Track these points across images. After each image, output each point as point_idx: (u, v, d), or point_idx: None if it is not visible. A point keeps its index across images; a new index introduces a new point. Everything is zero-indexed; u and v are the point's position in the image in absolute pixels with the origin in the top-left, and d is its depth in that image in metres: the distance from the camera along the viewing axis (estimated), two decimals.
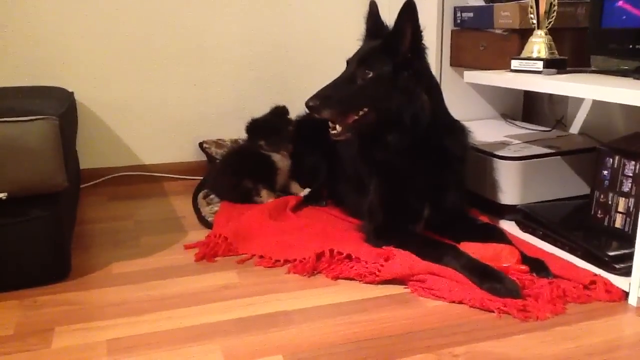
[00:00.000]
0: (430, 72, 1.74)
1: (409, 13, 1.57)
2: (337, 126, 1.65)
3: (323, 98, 1.60)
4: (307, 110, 1.64)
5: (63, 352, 1.24)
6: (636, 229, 1.40)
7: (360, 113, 1.63)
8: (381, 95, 1.62)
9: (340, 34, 2.72)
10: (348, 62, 1.71)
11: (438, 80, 2.33)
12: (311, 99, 1.59)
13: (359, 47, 1.74)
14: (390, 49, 1.63)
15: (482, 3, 2.19)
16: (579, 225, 1.73)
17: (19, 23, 2.33)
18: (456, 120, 1.82)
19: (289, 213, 1.98)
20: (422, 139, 1.65)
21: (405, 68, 1.62)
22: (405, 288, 1.51)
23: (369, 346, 1.25)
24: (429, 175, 1.72)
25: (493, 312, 1.37)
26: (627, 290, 1.44)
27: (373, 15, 1.73)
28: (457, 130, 1.80)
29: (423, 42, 1.64)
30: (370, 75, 1.62)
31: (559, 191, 1.95)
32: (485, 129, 2.23)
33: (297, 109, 2.29)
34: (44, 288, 1.53)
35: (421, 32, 1.62)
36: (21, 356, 1.23)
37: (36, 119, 1.47)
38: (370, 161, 1.75)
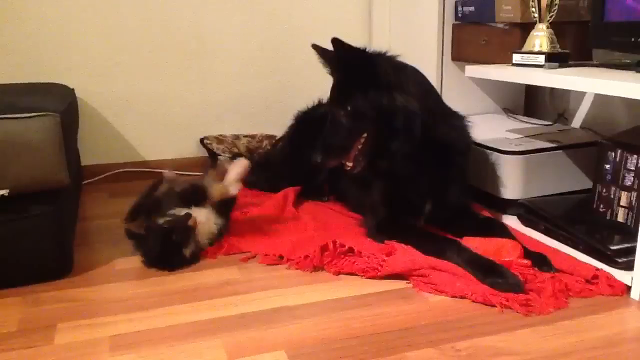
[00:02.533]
0: (407, 68, 1.72)
1: (339, 49, 1.60)
2: (349, 163, 1.69)
3: (325, 150, 1.67)
4: (317, 166, 1.73)
5: (66, 348, 1.25)
6: (638, 222, 1.40)
7: (362, 141, 1.66)
8: (367, 120, 1.64)
9: (341, 32, 2.70)
10: (327, 107, 1.76)
11: (439, 74, 2.34)
12: (317, 155, 1.67)
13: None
14: (351, 78, 1.65)
15: None
16: (581, 220, 1.73)
17: (19, 20, 2.33)
18: (455, 112, 1.82)
19: (291, 209, 1.98)
20: (421, 137, 1.64)
21: (369, 86, 1.62)
22: (408, 283, 1.51)
23: (371, 341, 1.25)
24: (431, 171, 1.72)
25: (495, 306, 1.37)
26: (630, 285, 1.44)
27: (322, 54, 1.74)
28: (457, 122, 1.80)
29: (369, 54, 1.65)
30: (349, 109, 1.65)
31: (561, 185, 1.94)
32: (487, 124, 2.23)
33: (297, 104, 2.29)
34: (47, 284, 1.53)
35: (362, 49, 1.64)
36: (24, 353, 1.23)
37: (37, 116, 1.47)
38: (374, 169, 1.75)
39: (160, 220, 1.63)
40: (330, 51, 1.68)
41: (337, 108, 1.68)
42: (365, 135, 1.66)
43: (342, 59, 1.65)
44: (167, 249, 1.61)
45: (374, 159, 1.70)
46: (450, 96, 2.25)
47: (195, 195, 1.74)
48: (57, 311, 1.40)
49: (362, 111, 1.63)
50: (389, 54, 1.69)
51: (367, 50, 1.66)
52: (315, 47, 1.75)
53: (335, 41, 1.58)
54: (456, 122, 1.80)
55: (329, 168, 2.08)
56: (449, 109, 1.82)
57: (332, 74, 1.75)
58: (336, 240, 1.64)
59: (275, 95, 2.72)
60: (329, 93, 1.74)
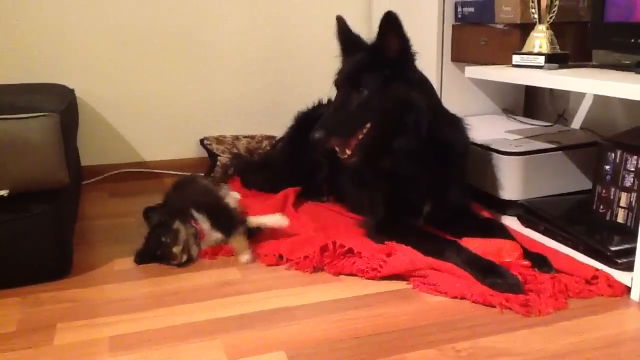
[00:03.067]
0: (421, 72, 1.72)
1: (392, 23, 1.57)
2: (346, 150, 1.64)
3: (326, 129, 1.59)
4: (314, 142, 1.61)
5: (65, 348, 1.25)
6: (638, 223, 1.40)
7: (364, 131, 1.63)
8: (379, 109, 1.62)
9: None
10: (337, 84, 1.69)
11: (439, 75, 2.34)
12: (316, 131, 1.58)
13: (341, 65, 1.72)
14: (376, 62, 1.63)
15: None
16: (581, 220, 1.72)
17: (19, 20, 2.33)
18: (454, 114, 1.82)
19: (290, 209, 1.98)
20: (424, 138, 1.65)
21: (396, 76, 1.62)
22: (407, 283, 1.51)
23: (371, 342, 1.25)
24: (431, 172, 1.72)
25: (495, 307, 1.37)
26: (629, 285, 1.44)
27: (344, 29, 1.72)
28: (457, 124, 1.80)
29: (412, 48, 1.63)
30: (364, 93, 1.62)
31: (561, 186, 1.94)
32: (487, 124, 2.23)
33: (297, 104, 2.29)
34: (46, 285, 1.53)
35: (408, 40, 1.62)
36: (23, 353, 1.23)
37: (37, 116, 1.47)
38: (375, 168, 1.74)
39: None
40: (353, 32, 1.65)
41: (352, 87, 1.63)
42: (368, 125, 1.63)
43: (384, 38, 1.59)
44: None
45: (376, 156, 1.68)
46: (450, 97, 2.25)
47: (222, 221, 1.73)
48: (56, 311, 1.40)
49: (379, 98, 1.60)
50: None
51: (412, 48, 1.63)
52: (340, 19, 1.71)
53: (392, 16, 1.53)
54: (455, 124, 1.80)
55: (327, 165, 2.08)
56: (447, 110, 1.83)
57: (345, 53, 1.72)
58: (336, 240, 1.64)
59: (275, 95, 2.72)
60: (340, 71, 1.69)
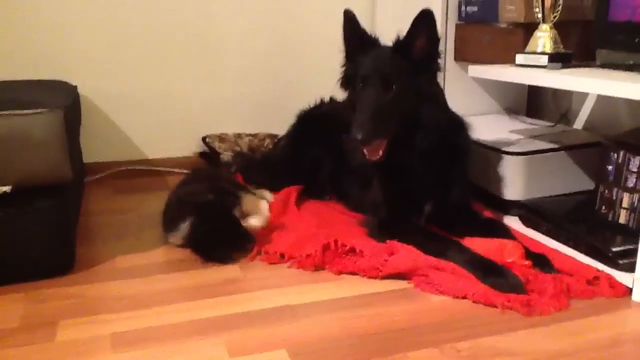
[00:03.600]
0: None
1: (427, 22, 1.58)
2: (379, 151, 1.62)
3: (367, 128, 1.56)
4: (358, 144, 1.59)
5: (67, 345, 1.25)
6: None
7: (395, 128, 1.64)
8: (409, 106, 1.62)
9: None
10: (364, 79, 1.64)
11: (442, 74, 2.32)
12: (357, 133, 1.54)
13: (363, 60, 1.68)
14: (403, 57, 1.62)
15: None
16: (583, 221, 1.72)
17: (23, 17, 2.33)
18: (455, 112, 1.82)
19: (293, 208, 1.98)
20: (441, 134, 1.66)
21: (421, 72, 1.62)
22: (409, 283, 1.51)
23: (372, 341, 1.25)
24: (435, 171, 1.72)
25: (497, 307, 1.37)
26: (631, 286, 1.44)
27: (353, 24, 1.71)
28: (460, 124, 1.80)
29: (440, 48, 1.64)
30: (395, 88, 1.61)
31: (563, 186, 1.94)
32: (489, 124, 2.23)
33: (299, 103, 2.29)
34: (49, 281, 1.54)
35: (439, 39, 1.63)
36: (26, 349, 1.24)
37: (41, 112, 1.47)
38: (382, 165, 1.72)
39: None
40: (364, 29, 1.68)
41: (383, 83, 1.61)
42: (397, 121, 1.62)
43: (416, 38, 1.60)
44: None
45: (394, 153, 1.65)
46: (453, 96, 2.24)
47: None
48: (59, 308, 1.41)
49: (409, 94, 1.61)
50: None
51: (440, 47, 1.65)
52: (348, 13, 1.69)
53: (428, 13, 1.55)
54: (458, 123, 1.80)
55: (330, 164, 2.08)
56: (451, 110, 1.83)
57: (358, 47, 1.69)
58: (338, 239, 1.64)
59: (277, 93, 2.72)
60: (363, 70, 1.65)
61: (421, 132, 1.64)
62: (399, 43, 1.64)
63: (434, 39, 1.62)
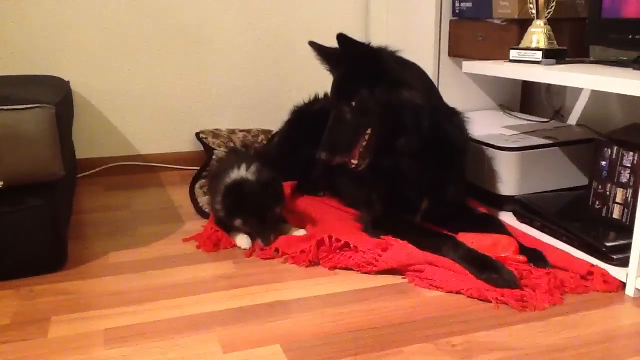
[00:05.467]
0: (409, 64, 1.71)
1: (346, 45, 1.59)
2: (353, 160, 1.66)
3: (330, 148, 1.64)
4: (320, 162, 1.69)
5: (60, 341, 1.24)
6: (634, 219, 1.40)
7: (366, 137, 1.64)
8: (374, 116, 1.63)
9: (338, 26, 2.70)
10: (330, 98, 1.72)
11: (436, 70, 2.33)
12: (321, 152, 1.63)
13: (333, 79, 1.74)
14: (356, 74, 1.63)
15: None
16: (577, 216, 1.73)
17: (14, 12, 2.31)
18: (452, 107, 1.82)
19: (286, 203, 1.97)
20: (426, 135, 1.64)
21: (378, 79, 1.61)
22: (403, 278, 1.51)
23: (366, 336, 1.25)
24: (430, 168, 1.72)
25: (491, 302, 1.37)
26: (624, 281, 1.44)
27: (320, 51, 1.73)
28: (456, 119, 1.80)
29: (381, 53, 1.64)
30: (354, 104, 1.63)
31: (557, 182, 1.95)
32: (483, 120, 2.23)
33: (293, 99, 2.28)
34: (41, 277, 1.53)
35: (369, 50, 1.63)
36: (18, 345, 1.23)
37: (32, 107, 1.46)
38: (374, 165, 1.73)
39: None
40: (329, 48, 1.66)
41: (341, 104, 1.65)
42: (369, 131, 1.64)
43: (347, 54, 1.63)
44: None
45: (378, 156, 1.68)
46: (447, 92, 2.23)
47: None
48: (51, 304, 1.40)
49: (369, 107, 1.61)
50: (390, 49, 1.69)
51: (372, 45, 1.65)
52: (313, 44, 1.74)
53: (342, 37, 1.56)
54: (455, 119, 1.80)
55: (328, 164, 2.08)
56: (447, 105, 1.82)
57: (332, 70, 1.74)
58: (332, 235, 1.64)
59: (271, 89, 2.72)
60: (331, 89, 1.73)
61: (402, 134, 1.64)
62: (347, 64, 1.66)
63: (364, 53, 1.62)
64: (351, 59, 1.63)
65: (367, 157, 1.67)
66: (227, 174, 1.73)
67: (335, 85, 1.71)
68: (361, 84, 1.62)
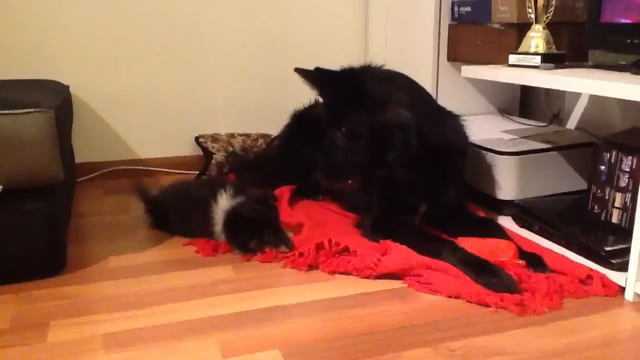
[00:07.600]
0: (395, 78, 1.71)
1: (323, 77, 1.63)
2: (349, 182, 1.71)
3: (329, 173, 1.69)
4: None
5: (59, 346, 1.24)
6: (633, 224, 1.40)
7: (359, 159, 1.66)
8: (363, 139, 1.63)
9: (337, 30, 2.71)
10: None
11: (435, 75, 2.34)
12: (322, 178, 1.70)
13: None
14: (341, 100, 1.65)
15: None
16: (576, 220, 1.73)
17: (13, 16, 2.31)
18: (449, 111, 1.82)
19: (286, 207, 1.98)
20: (418, 144, 1.64)
21: (362, 104, 1.61)
22: (402, 282, 1.51)
23: (365, 340, 1.25)
24: (428, 174, 1.72)
25: (490, 306, 1.37)
26: (624, 285, 1.44)
27: (307, 77, 1.73)
28: (453, 122, 1.80)
29: (354, 69, 1.66)
30: (344, 129, 1.64)
31: (556, 186, 1.95)
32: (482, 124, 2.23)
33: (293, 103, 2.28)
34: (40, 282, 1.52)
35: (343, 74, 1.65)
36: (16, 350, 1.22)
37: (32, 112, 1.46)
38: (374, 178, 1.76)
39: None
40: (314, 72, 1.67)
41: (333, 129, 1.67)
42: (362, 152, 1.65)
43: (328, 84, 1.66)
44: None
45: (373, 169, 1.69)
46: (446, 97, 2.26)
47: None
48: (50, 308, 1.40)
49: (357, 131, 1.63)
50: (373, 64, 1.70)
51: (353, 68, 1.66)
52: (298, 70, 1.74)
53: (318, 71, 1.60)
54: (451, 122, 1.80)
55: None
56: (443, 109, 1.82)
57: (320, 95, 1.75)
58: (331, 239, 1.64)
59: (271, 93, 2.72)
60: (322, 113, 1.74)
61: (392, 151, 1.63)
62: (329, 93, 1.69)
63: (341, 83, 1.64)
64: (333, 88, 1.66)
65: (360, 174, 1.70)
66: (213, 205, 1.73)
67: (324, 111, 1.73)
68: (347, 109, 1.63)
